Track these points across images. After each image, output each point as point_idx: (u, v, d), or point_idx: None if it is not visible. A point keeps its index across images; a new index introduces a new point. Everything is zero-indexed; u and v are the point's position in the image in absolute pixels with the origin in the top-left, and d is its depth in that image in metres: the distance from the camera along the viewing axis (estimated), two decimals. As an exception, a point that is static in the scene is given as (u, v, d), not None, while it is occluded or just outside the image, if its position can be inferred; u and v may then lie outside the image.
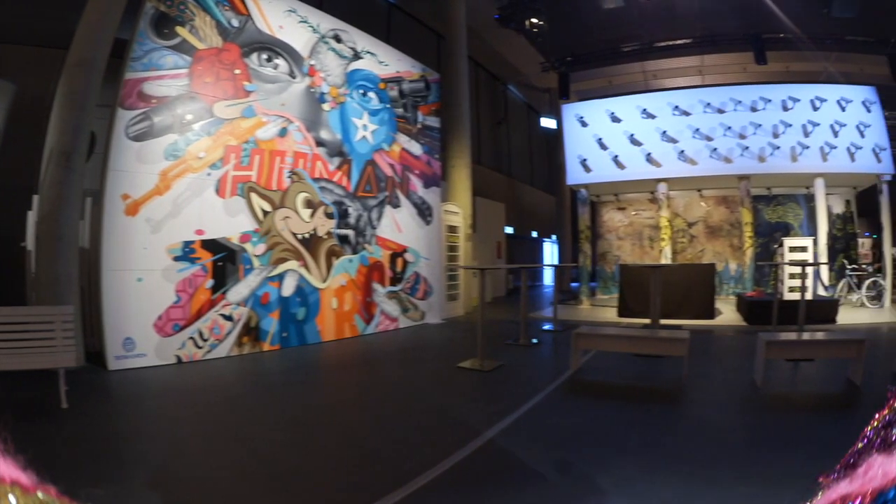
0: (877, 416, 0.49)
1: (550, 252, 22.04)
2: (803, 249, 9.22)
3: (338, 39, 6.98)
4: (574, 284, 13.00)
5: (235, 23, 5.69)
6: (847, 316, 8.19)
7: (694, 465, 2.59)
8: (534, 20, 11.01)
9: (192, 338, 5.05)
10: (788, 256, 9.17)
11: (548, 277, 19.88)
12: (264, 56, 6.01)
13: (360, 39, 7.38)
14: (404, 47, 8.86)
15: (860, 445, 0.48)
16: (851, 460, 0.47)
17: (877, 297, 9.60)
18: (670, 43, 13.94)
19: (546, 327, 7.75)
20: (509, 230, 16.38)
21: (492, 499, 2.27)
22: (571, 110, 11.79)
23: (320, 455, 2.76)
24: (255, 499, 2.23)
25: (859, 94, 10.42)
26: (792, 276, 8.92)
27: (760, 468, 2.55)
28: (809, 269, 8.78)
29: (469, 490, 2.35)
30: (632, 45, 13.82)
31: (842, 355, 4.51)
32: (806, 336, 4.83)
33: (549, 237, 21.34)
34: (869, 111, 10.28)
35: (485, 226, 13.40)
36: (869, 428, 0.49)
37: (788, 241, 9.53)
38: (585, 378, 4.60)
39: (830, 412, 3.61)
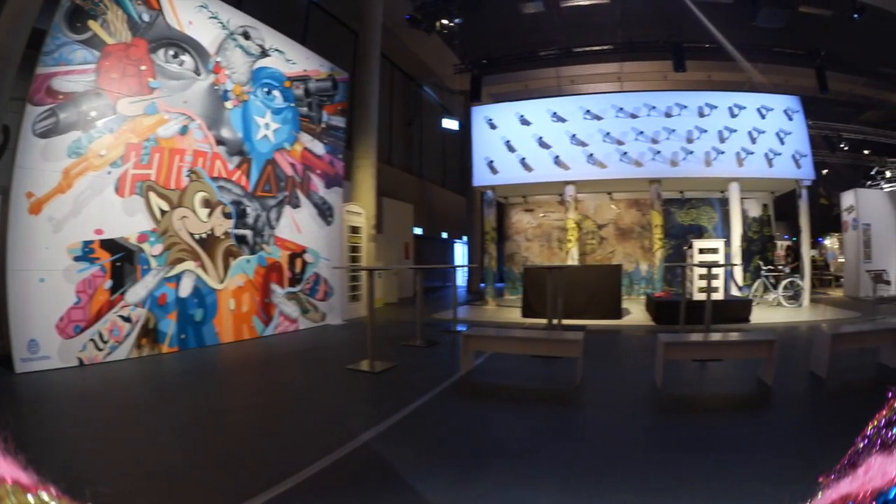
0: (876, 416, 0.54)
1: (462, 253, 24.51)
2: (714, 251, 10.67)
3: (246, 36, 8.23)
4: (483, 285, 14.83)
5: (146, 17, 6.77)
6: (763, 315, 9.88)
7: (574, 470, 2.91)
8: (444, 21, 12.82)
9: (92, 339, 6.11)
10: (698, 258, 10.58)
11: (460, 278, 22.08)
12: (171, 52, 7.12)
13: (269, 37, 8.71)
14: (322, 46, 10.29)
15: (860, 445, 0.53)
16: (851, 460, 0.52)
17: (794, 297, 11.74)
18: (589, 49, 16.20)
19: (449, 328, 9.10)
20: (418, 231, 18.34)
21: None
22: (480, 112, 13.85)
23: (201, 457, 3.27)
24: (130, 499, 2.65)
25: (781, 102, 12.56)
26: (702, 276, 10.23)
27: (645, 473, 2.85)
28: (720, 270, 10.47)
29: (335, 493, 2.74)
30: (550, 50, 15.94)
31: (751, 355, 4.97)
32: (714, 336, 5.35)
33: (460, 238, 23.73)
34: (791, 119, 12.40)
35: (392, 227, 15.18)
36: (869, 428, 0.54)
37: (698, 243, 10.99)
38: (475, 380, 5.27)
39: (734, 412, 4.10)
